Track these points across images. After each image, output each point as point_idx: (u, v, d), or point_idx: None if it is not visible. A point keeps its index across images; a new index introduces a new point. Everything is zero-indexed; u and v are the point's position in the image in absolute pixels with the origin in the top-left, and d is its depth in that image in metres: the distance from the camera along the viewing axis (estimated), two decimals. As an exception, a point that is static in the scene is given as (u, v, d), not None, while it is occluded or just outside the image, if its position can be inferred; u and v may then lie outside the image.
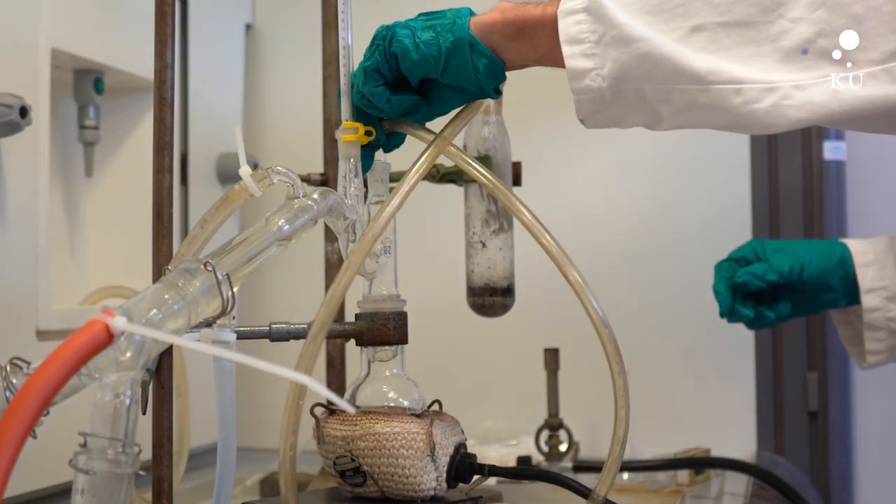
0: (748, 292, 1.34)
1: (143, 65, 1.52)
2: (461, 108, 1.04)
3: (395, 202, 0.97)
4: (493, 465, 1.05)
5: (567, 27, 0.95)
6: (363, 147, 1.04)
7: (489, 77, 0.99)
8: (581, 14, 0.94)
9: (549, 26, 0.96)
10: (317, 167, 1.34)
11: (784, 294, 1.35)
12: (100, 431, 0.76)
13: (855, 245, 1.35)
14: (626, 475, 1.49)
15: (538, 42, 0.97)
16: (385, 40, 0.99)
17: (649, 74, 0.92)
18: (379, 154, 1.08)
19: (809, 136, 1.75)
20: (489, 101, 1.21)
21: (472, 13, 1.00)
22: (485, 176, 1.03)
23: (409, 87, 1.02)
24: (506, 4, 0.99)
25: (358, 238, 1.00)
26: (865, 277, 1.32)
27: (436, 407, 1.06)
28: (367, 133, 1.03)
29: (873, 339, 1.34)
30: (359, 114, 1.03)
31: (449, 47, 0.97)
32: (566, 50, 0.94)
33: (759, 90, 0.89)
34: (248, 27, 1.98)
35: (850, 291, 1.33)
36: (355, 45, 1.05)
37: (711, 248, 1.74)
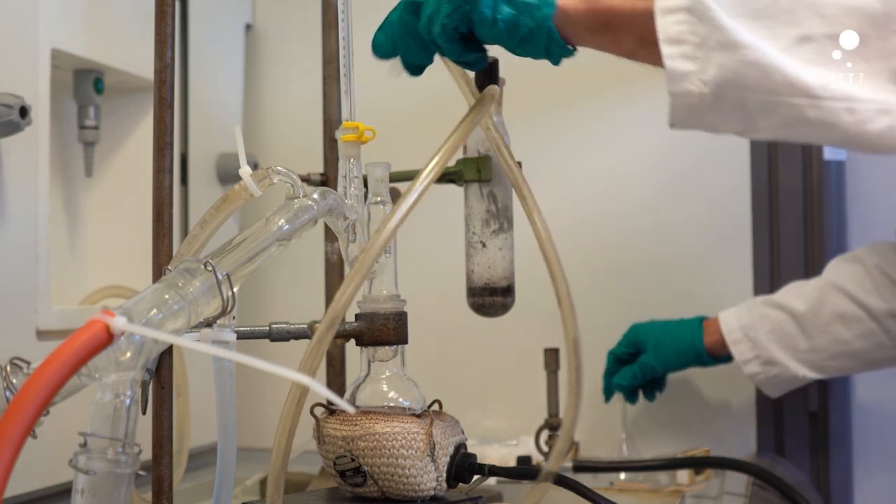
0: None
1: (143, 65, 1.52)
2: (474, 105, 1.02)
3: (410, 201, 0.95)
4: (493, 465, 1.05)
5: (667, 26, 0.90)
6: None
7: (558, 59, 0.97)
8: (681, 13, 0.89)
9: (638, 22, 0.92)
10: (317, 167, 1.34)
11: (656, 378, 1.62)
12: (100, 431, 0.76)
13: (725, 323, 1.55)
14: (622, 475, 1.49)
15: (622, 38, 0.94)
16: (466, 2, 0.94)
17: (757, 84, 0.88)
18: (378, 154, 1.08)
19: (809, 136, 1.75)
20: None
21: None
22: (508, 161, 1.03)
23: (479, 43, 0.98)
24: None
25: (369, 240, 0.97)
26: (739, 352, 1.53)
27: (436, 407, 1.06)
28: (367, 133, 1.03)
29: (768, 391, 1.57)
30: (419, 45, 0.99)
31: (526, 33, 0.94)
32: (666, 50, 0.90)
33: (873, 110, 0.86)
34: (248, 27, 1.98)
35: (716, 361, 1.58)
36: (355, 45, 1.05)
37: (711, 248, 1.74)
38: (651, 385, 1.62)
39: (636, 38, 0.93)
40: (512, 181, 1.03)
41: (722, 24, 0.88)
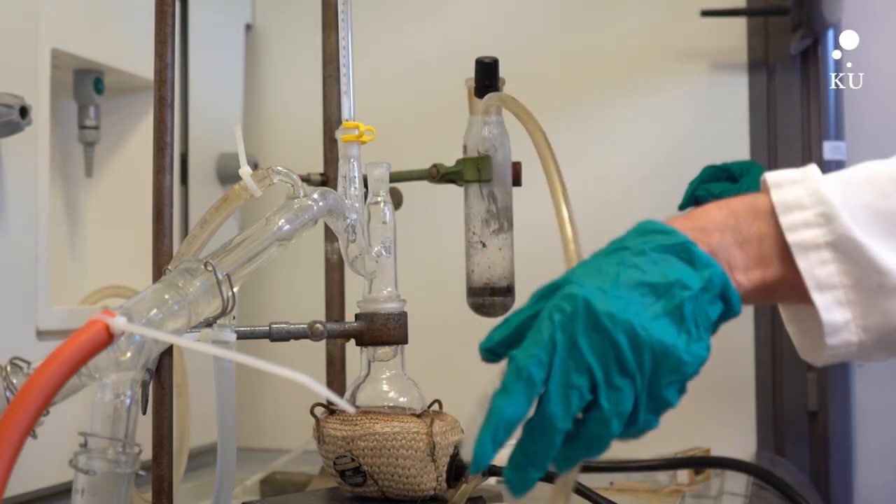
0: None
1: (143, 65, 1.52)
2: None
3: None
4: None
5: (812, 268, 0.77)
6: None
7: None
8: (826, 251, 0.76)
9: (798, 287, 0.77)
10: (317, 167, 1.34)
11: None
12: (100, 431, 0.76)
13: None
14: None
15: (783, 298, 0.81)
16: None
17: None
18: (378, 154, 1.08)
19: (809, 135, 1.75)
20: (489, 102, 1.21)
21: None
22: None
23: None
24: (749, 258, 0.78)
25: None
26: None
27: (436, 407, 1.06)
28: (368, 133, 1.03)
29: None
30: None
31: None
32: (818, 299, 0.76)
33: None
34: (248, 27, 1.98)
35: None
36: (355, 46, 1.05)
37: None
38: None
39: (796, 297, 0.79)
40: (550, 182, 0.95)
41: (879, 263, 0.76)
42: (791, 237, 0.77)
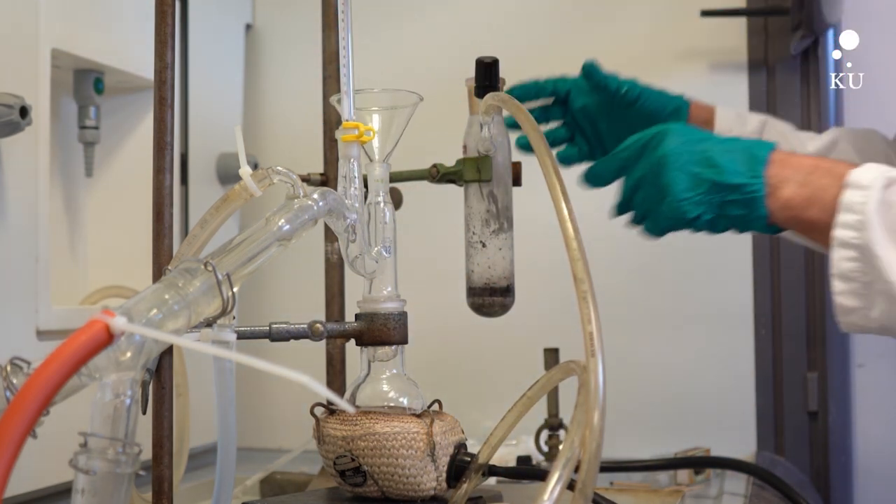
0: None
1: (143, 65, 1.52)
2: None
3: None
4: (494, 465, 1.05)
5: (840, 261, 0.97)
6: None
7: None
8: (852, 251, 0.96)
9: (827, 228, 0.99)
10: (317, 167, 1.34)
11: None
12: (100, 431, 0.76)
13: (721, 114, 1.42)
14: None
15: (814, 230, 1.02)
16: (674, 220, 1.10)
17: None
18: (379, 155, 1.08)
19: (809, 136, 1.75)
20: (489, 101, 1.21)
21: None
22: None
23: None
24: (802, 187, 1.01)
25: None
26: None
27: (436, 407, 1.06)
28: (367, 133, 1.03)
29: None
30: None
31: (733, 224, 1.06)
32: (836, 285, 0.98)
33: None
34: (248, 27, 1.98)
35: None
36: (355, 46, 1.05)
37: (712, 248, 1.74)
38: None
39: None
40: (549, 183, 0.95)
41: (889, 277, 0.94)
42: (837, 232, 0.97)
